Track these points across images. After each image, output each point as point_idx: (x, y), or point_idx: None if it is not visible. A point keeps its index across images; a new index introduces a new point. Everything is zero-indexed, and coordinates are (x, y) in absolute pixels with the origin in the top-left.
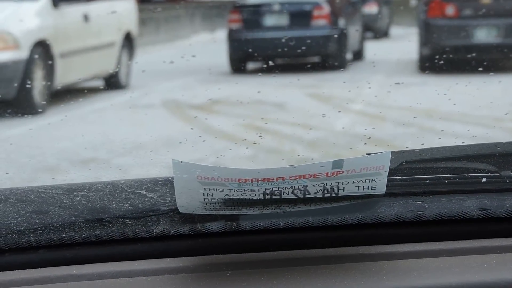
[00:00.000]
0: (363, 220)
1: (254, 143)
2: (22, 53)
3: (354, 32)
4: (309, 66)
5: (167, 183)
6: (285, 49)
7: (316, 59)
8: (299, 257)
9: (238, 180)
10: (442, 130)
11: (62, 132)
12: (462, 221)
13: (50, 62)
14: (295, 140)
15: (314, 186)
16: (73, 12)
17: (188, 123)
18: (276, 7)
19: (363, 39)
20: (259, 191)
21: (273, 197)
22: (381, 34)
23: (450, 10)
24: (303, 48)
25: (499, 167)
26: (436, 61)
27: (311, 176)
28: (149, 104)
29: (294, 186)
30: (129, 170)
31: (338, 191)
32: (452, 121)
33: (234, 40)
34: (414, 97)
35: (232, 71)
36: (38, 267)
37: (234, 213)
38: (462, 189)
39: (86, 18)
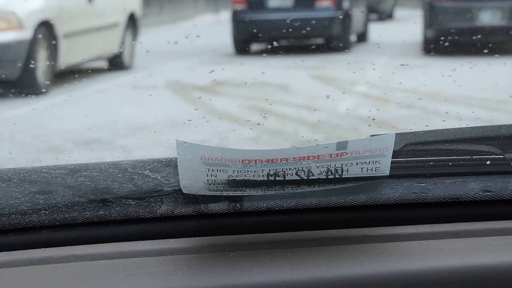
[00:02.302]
0: (367, 201)
1: (258, 124)
2: (26, 33)
3: (358, 14)
4: (313, 47)
5: (171, 164)
6: (290, 30)
7: (320, 40)
8: (303, 238)
9: (242, 161)
10: (446, 112)
11: (65, 113)
12: (465, 203)
13: (53, 42)
14: (299, 121)
15: (318, 167)
16: None
17: (192, 104)
18: None
19: (367, 20)
20: (262, 172)
21: (277, 178)
22: (386, 15)
23: None
24: (308, 29)
25: (503, 150)
26: (440, 43)
27: (315, 157)
28: (153, 85)
29: (298, 168)
30: (133, 150)
31: (342, 172)
32: (456, 103)
33: (238, 21)
34: (419, 79)
35: (236, 52)
36: (41, 247)
37: (238, 194)
38: (466, 171)
39: None
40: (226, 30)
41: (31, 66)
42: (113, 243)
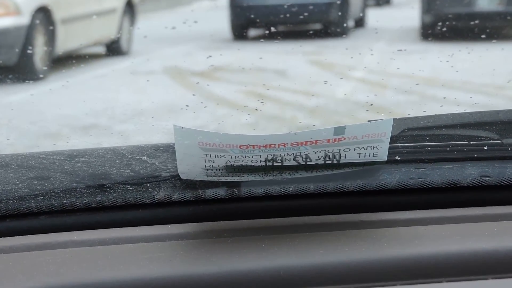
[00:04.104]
0: (365, 187)
1: (256, 109)
2: (23, 19)
3: None
4: (311, 33)
5: (169, 149)
6: (287, 16)
7: (318, 26)
8: (300, 224)
9: (240, 147)
10: (444, 98)
11: (63, 98)
12: (463, 188)
13: (51, 28)
14: (297, 107)
15: (315, 152)
16: None
17: (190, 90)
18: None
19: (365, 6)
20: (260, 157)
21: (275, 163)
22: (383, 1)
23: None
24: (305, 14)
25: (501, 135)
26: (438, 28)
27: (312, 142)
28: (151, 70)
29: (296, 153)
30: (131, 136)
31: (340, 158)
32: (454, 88)
33: (235, 7)
34: (416, 65)
35: (234, 38)
36: (39, 233)
37: (236, 180)
38: (464, 157)
39: None
40: (223, 15)
41: (29, 51)
42: (110, 229)
